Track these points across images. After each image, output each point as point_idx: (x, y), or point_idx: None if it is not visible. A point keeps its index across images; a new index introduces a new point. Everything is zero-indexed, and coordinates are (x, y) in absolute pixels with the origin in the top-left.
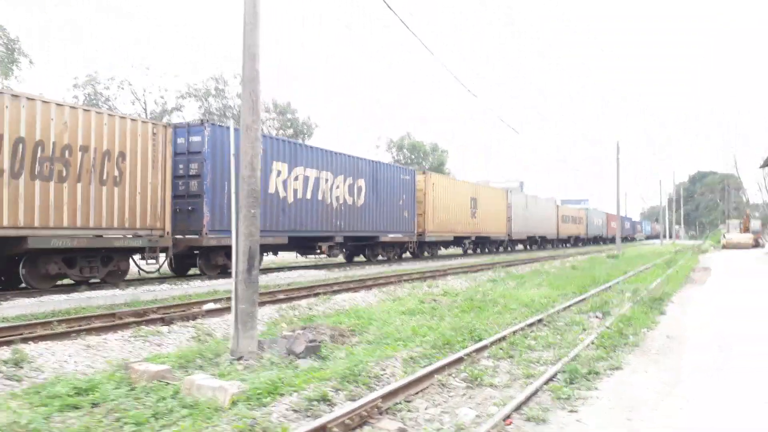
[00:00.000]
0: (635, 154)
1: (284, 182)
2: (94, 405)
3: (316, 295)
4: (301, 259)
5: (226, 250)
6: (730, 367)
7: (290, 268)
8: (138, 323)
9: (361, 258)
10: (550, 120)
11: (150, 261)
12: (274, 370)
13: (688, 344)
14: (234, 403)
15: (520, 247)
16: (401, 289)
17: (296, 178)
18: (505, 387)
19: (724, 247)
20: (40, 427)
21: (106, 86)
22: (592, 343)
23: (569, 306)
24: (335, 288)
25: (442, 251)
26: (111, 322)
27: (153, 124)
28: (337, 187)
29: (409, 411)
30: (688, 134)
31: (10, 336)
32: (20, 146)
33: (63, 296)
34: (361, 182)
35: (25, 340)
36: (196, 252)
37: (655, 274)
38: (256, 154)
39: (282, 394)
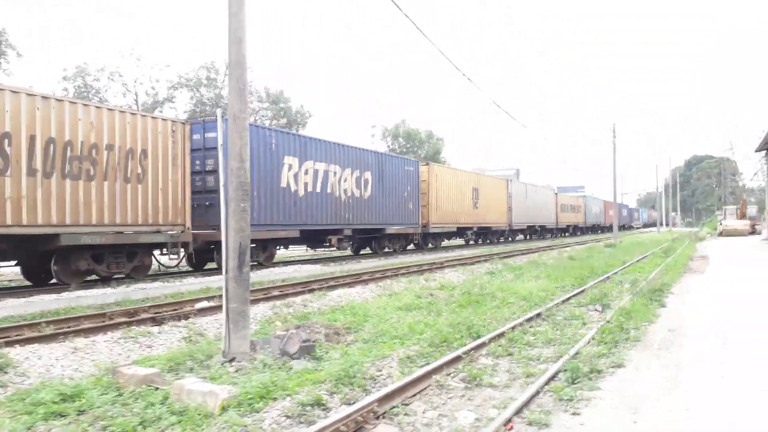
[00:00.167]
0: (631, 139)
1: (295, 176)
2: (80, 412)
3: (312, 291)
4: (296, 253)
5: None
6: (734, 360)
7: (285, 263)
8: (128, 323)
9: (368, 250)
10: (546, 107)
11: (172, 256)
12: (267, 373)
13: (691, 337)
14: (224, 408)
15: (520, 237)
16: (398, 284)
17: (306, 172)
18: (505, 387)
19: (721, 234)
20: None
21: (96, 78)
22: (593, 338)
23: (568, 299)
24: (331, 283)
25: (446, 242)
26: (101, 322)
27: (172, 121)
28: (345, 180)
29: (406, 415)
30: (684, 118)
31: None
32: (51, 146)
33: (53, 296)
34: (368, 175)
35: (10, 344)
36: (212, 246)
37: (653, 263)
38: (245, 144)
39: (275, 399)
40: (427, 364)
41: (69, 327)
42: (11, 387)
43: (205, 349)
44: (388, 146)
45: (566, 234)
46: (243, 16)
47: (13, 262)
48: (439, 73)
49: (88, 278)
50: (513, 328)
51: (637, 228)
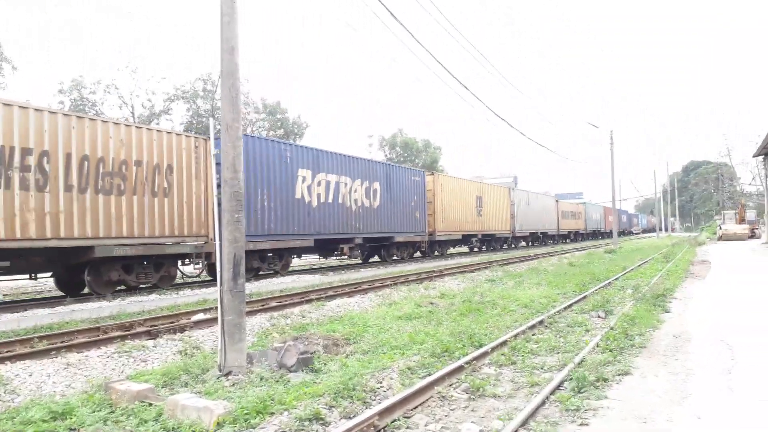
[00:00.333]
0: (628, 144)
1: (309, 188)
2: (71, 431)
3: (310, 301)
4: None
5: (261, 254)
6: (741, 366)
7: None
8: (123, 337)
9: (376, 258)
10: (545, 114)
11: (196, 266)
12: (264, 387)
13: (696, 343)
14: (219, 425)
15: (523, 243)
16: (397, 293)
17: (319, 184)
18: (509, 397)
19: (720, 238)
20: None
21: (92, 90)
22: (597, 345)
23: (570, 305)
24: (329, 293)
25: (451, 250)
26: (95, 336)
27: (195, 137)
28: (355, 190)
29: (408, 428)
30: (681, 123)
31: None
32: (85, 163)
33: (47, 310)
34: (376, 185)
35: (1, 360)
36: None
37: (654, 268)
38: (238, 154)
39: (272, 414)
40: (429, 374)
41: (62, 342)
42: (0, 405)
43: (201, 362)
44: (386, 156)
45: (567, 240)
46: (235, 25)
47: (48, 274)
48: (435, 80)
49: (119, 288)
50: (515, 336)
51: (637, 233)
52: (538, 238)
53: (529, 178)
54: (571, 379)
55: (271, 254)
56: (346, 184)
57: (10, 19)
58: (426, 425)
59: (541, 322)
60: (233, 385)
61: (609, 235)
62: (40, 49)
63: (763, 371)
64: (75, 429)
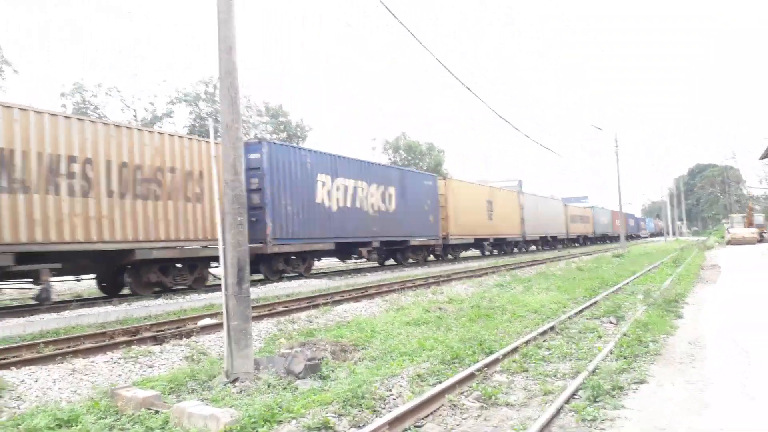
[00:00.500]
0: (627, 155)
1: (328, 192)
2: None
3: (317, 306)
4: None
5: (285, 256)
6: (759, 373)
7: (290, 278)
8: (129, 343)
9: (392, 261)
10: (548, 115)
11: None
12: (271, 394)
13: (712, 350)
14: None
15: (533, 247)
16: (405, 297)
17: (338, 189)
18: (522, 406)
19: (729, 242)
20: None
21: (93, 94)
22: (611, 352)
23: (581, 311)
24: (336, 298)
25: (463, 253)
26: (101, 342)
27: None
28: (372, 195)
29: None
30: (680, 134)
31: None
32: (125, 170)
33: (53, 315)
34: (392, 190)
35: (6, 366)
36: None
37: (664, 273)
38: (239, 156)
39: (280, 422)
40: (439, 382)
41: (68, 347)
42: (5, 412)
43: (208, 369)
44: (390, 159)
45: (576, 244)
46: (232, 24)
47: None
48: (438, 81)
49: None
50: (527, 342)
51: (644, 237)
52: (547, 242)
53: (533, 182)
54: (585, 387)
55: (294, 257)
56: (362, 188)
57: (10, 20)
58: None
59: (552, 328)
60: (240, 392)
61: (617, 239)
62: (40, 49)
63: None
64: None
